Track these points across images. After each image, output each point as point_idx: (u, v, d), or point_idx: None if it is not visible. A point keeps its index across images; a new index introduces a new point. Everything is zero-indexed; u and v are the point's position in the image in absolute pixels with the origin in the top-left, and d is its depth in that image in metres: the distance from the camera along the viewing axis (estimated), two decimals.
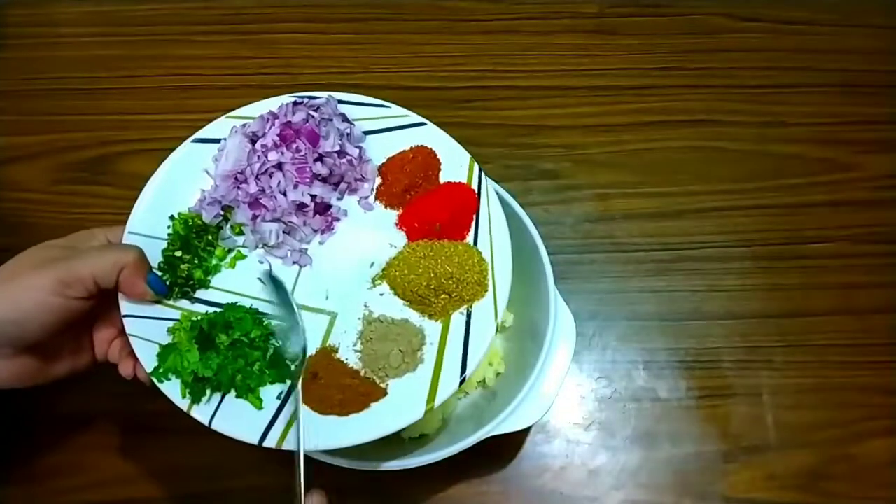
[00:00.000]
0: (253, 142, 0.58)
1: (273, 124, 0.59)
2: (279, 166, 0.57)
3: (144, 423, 0.67)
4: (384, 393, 0.52)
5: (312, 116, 0.59)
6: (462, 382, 0.52)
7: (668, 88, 0.86)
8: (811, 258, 0.77)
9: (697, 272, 0.76)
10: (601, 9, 0.92)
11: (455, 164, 0.60)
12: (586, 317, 0.73)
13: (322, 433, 0.50)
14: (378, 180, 0.60)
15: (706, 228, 0.78)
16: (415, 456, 0.57)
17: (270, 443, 0.50)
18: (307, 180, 0.57)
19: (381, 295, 0.56)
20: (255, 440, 0.50)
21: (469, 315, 0.55)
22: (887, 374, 0.71)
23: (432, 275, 0.55)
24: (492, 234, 0.58)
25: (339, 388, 0.52)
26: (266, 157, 0.57)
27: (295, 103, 0.60)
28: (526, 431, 0.67)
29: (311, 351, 0.54)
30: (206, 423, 0.51)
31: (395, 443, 0.62)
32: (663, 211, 0.79)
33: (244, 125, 0.60)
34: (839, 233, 0.78)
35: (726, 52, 0.89)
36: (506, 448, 0.67)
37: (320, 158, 0.58)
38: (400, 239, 0.58)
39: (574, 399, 0.70)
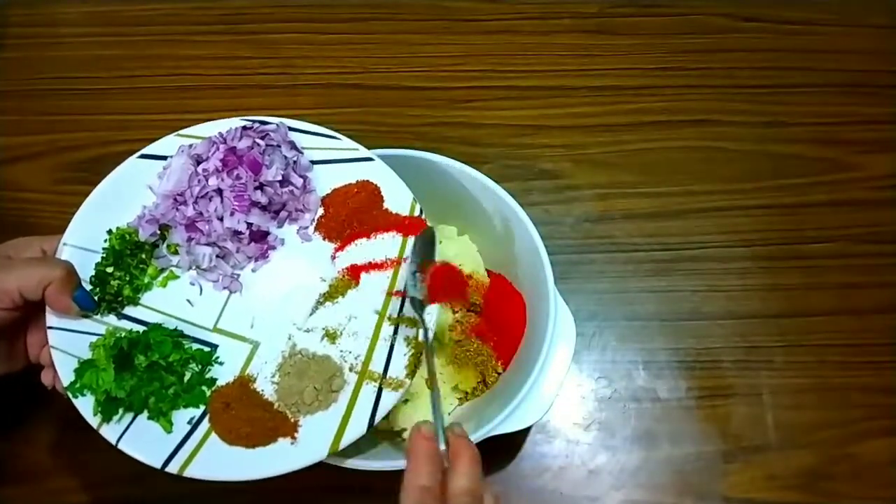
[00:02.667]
0: (197, 164, 0.59)
1: (218, 148, 0.59)
2: (219, 192, 0.57)
3: None
4: (293, 429, 0.52)
5: (258, 144, 0.59)
6: (370, 428, 0.52)
7: (668, 88, 0.86)
8: (811, 258, 0.77)
9: (697, 272, 0.76)
10: (601, 9, 0.92)
11: (398, 202, 0.60)
12: (586, 317, 0.73)
13: (226, 464, 0.51)
14: (320, 211, 0.60)
15: (706, 228, 0.78)
16: None
17: (173, 468, 0.50)
18: (244, 208, 0.57)
19: (308, 332, 0.56)
20: (158, 464, 0.50)
21: (391, 349, 0.55)
22: (887, 374, 0.71)
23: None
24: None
25: (248, 421, 0.52)
26: (207, 181, 0.58)
27: (244, 128, 0.60)
28: (526, 431, 0.67)
29: (228, 378, 0.54)
30: (113, 442, 0.51)
31: (396, 443, 0.63)
32: (663, 211, 0.79)
33: (191, 146, 0.60)
34: (839, 233, 0.78)
35: (726, 52, 0.89)
36: (506, 448, 0.67)
37: (261, 187, 0.58)
38: (332, 273, 0.58)
39: (574, 399, 0.70)
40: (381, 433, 0.64)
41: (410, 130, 0.82)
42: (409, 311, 0.56)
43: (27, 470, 0.65)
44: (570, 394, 0.70)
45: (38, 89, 0.86)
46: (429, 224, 0.59)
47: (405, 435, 0.61)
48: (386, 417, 0.62)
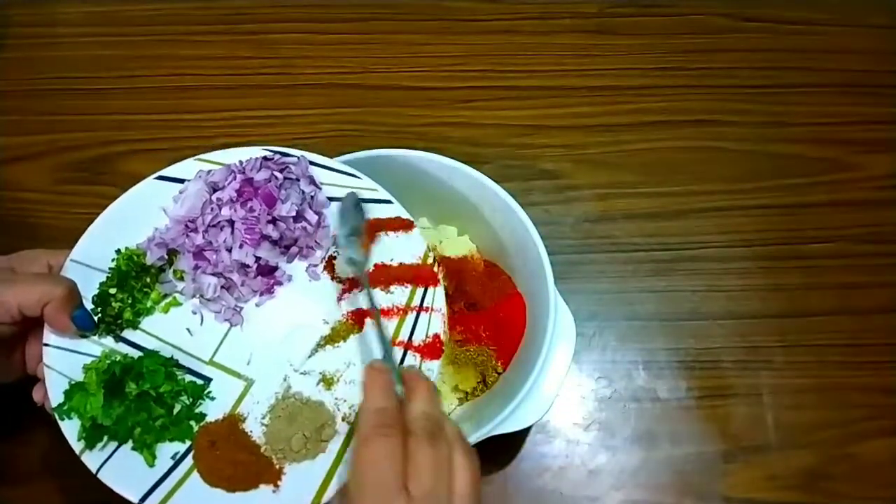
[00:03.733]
0: (213, 191, 0.58)
1: (235, 178, 0.58)
2: (230, 222, 0.56)
3: None
4: (277, 476, 0.50)
5: (276, 177, 0.58)
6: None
7: (668, 88, 0.86)
8: (811, 258, 0.77)
9: (697, 272, 0.76)
10: (601, 9, 0.92)
11: (412, 251, 0.58)
12: (586, 317, 0.73)
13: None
14: (331, 251, 0.59)
15: (706, 228, 0.78)
16: None
17: (155, 503, 0.49)
18: (254, 241, 0.56)
19: (304, 374, 0.54)
20: (135, 499, 0.49)
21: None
22: (887, 374, 0.71)
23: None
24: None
25: (232, 463, 0.50)
26: (220, 210, 0.57)
27: (265, 159, 0.59)
28: (526, 431, 0.67)
29: (218, 415, 0.53)
30: (93, 470, 0.50)
31: None
32: (663, 211, 0.79)
33: (209, 172, 0.59)
34: (839, 233, 0.78)
35: (726, 52, 0.89)
36: (506, 448, 0.67)
37: (274, 221, 0.57)
38: (336, 315, 0.56)
39: (574, 399, 0.70)
40: None
41: (410, 130, 0.82)
42: (409, 362, 0.54)
43: (27, 470, 0.65)
44: (570, 394, 0.70)
45: (38, 89, 0.86)
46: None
47: None
48: None
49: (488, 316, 0.67)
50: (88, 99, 0.85)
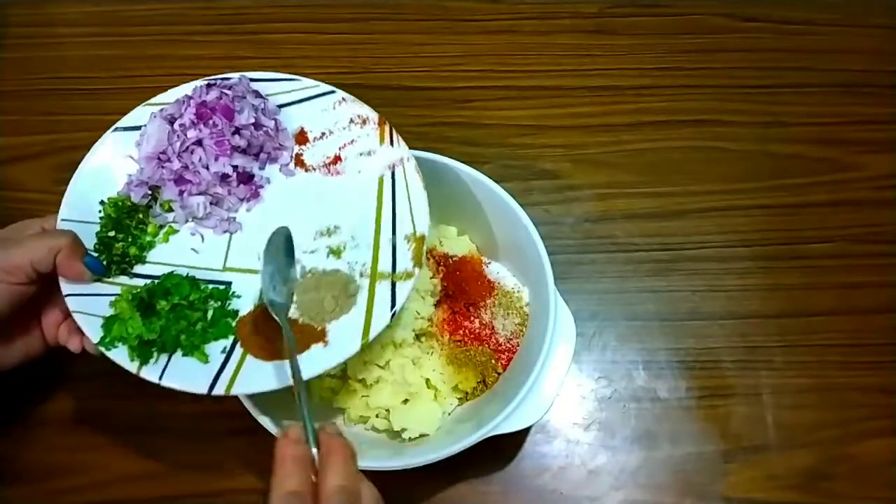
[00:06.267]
0: (171, 123, 0.61)
1: (189, 105, 0.61)
2: (199, 142, 0.60)
3: (144, 423, 0.67)
4: (323, 335, 0.55)
5: (226, 94, 0.61)
6: (393, 318, 0.55)
7: (668, 88, 0.86)
8: (811, 258, 0.77)
9: (697, 272, 0.76)
10: (601, 9, 0.92)
11: (368, 129, 0.64)
12: (586, 317, 0.73)
13: (267, 377, 0.53)
14: (296, 148, 0.64)
15: (706, 228, 0.78)
16: (415, 456, 0.57)
17: (219, 390, 0.52)
18: (227, 152, 0.60)
19: (313, 252, 0.59)
20: (203, 390, 0.52)
21: (394, 248, 0.58)
22: (887, 374, 0.71)
23: None
24: (407, 179, 0.61)
25: (279, 338, 0.54)
26: (185, 135, 0.60)
27: (208, 85, 0.62)
28: (526, 431, 0.67)
29: (249, 308, 0.57)
30: (156, 380, 0.53)
31: (395, 443, 0.63)
32: (663, 211, 0.79)
33: (161, 110, 0.62)
34: (839, 233, 0.78)
35: (726, 52, 0.89)
36: (506, 448, 0.67)
37: (237, 131, 0.61)
38: (323, 197, 0.61)
39: (574, 399, 0.70)
40: (380, 433, 0.64)
41: (410, 130, 0.81)
42: (402, 210, 0.59)
43: (27, 470, 0.65)
44: (570, 394, 0.70)
45: (38, 89, 0.86)
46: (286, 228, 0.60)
47: (404, 435, 0.61)
48: (387, 417, 0.62)
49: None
50: (88, 99, 0.85)
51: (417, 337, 0.66)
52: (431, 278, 0.67)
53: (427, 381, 0.64)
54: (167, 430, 0.67)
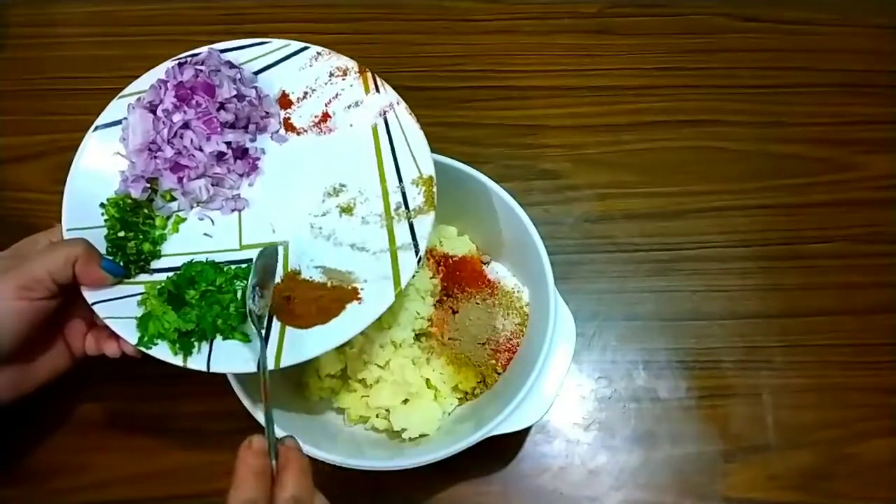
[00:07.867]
0: (153, 111, 0.59)
1: (167, 88, 0.60)
2: (186, 125, 0.59)
3: (144, 424, 0.67)
4: (356, 293, 0.55)
5: (201, 71, 0.60)
6: (419, 262, 0.55)
7: (668, 88, 0.86)
8: (811, 258, 0.77)
9: (697, 272, 0.76)
10: (601, 9, 0.92)
11: (350, 80, 0.63)
12: (586, 317, 0.73)
13: (313, 343, 0.53)
14: (282, 113, 0.63)
15: (706, 228, 0.78)
16: (415, 456, 0.57)
17: (270, 366, 0.52)
18: (218, 130, 0.59)
19: (325, 214, 0.59)
20: (253, 368, 0.52)
21: (404, 195, 0.58)
22: (887, 374, 0.71)
23: None
24: (401, 122, 0.61)
25: (314, 301, 0.54)
26: (171, 119, 0.58)
27: (179, 64, 0.61)
28: (526, 431, 0.67)
29: (276, 281, 0.56)
30: (204, 368, 0.52)
31: (395, 443, 0.63)
32: (663, 211, 0.79)
33: (139, 99, 0.61)
34: (839, 233, 0.78)
35: (726, 52, 0.89)
36: (506, 448, 0.67)
37: (222, 107, 0.59)
38: (322, 157, 0.61)
39: (574, 399, 0.70)
40: (380, 433, 0.64)
41: None
42: (403, 154, 0.59)
43: (27, 470, 0.65)
44: (570, 394, 0.70)
45: (38, 89, 0.86)
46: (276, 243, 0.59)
47: (404, 435, 0.61)
48: (387, 417, 0.62)
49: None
50: (88, 99, 0.84)
51: (417, 337, 0.66)
52: (431, 278, 0.67)
53: (427, 381, 0.64)
54: (167, 430, 0.67)
